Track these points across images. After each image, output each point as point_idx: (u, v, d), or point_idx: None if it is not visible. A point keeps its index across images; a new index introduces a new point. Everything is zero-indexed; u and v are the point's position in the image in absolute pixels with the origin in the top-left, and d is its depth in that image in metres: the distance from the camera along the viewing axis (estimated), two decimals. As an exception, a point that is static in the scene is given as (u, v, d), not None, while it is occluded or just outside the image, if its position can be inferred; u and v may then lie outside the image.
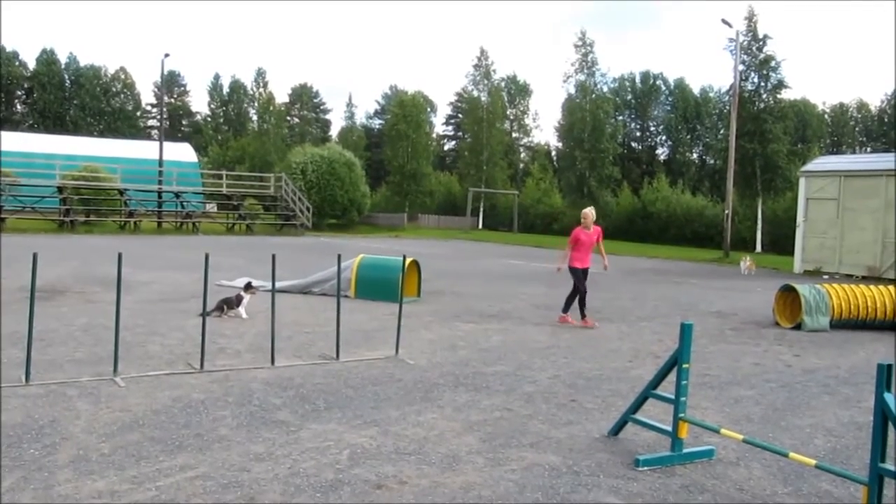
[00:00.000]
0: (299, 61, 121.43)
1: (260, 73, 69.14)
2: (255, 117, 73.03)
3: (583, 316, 11.11)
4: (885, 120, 72.47)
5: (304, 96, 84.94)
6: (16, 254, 16.77)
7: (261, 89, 68.89)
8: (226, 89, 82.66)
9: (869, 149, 71.07)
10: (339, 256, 8.71)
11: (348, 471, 4.63)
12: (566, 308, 11.32)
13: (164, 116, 56.09)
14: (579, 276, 11.23)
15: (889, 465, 3.89)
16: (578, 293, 11.13)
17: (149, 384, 6.57)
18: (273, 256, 7.63)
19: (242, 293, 10.38)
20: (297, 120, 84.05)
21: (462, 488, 4.43)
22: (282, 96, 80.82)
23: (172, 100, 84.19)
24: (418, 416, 5.88)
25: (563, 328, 10.87)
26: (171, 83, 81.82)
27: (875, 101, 77.72)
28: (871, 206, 23.13)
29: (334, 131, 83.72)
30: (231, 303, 10.20)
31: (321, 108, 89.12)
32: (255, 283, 10.84)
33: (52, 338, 8.40)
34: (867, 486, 3.94)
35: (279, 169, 45.84)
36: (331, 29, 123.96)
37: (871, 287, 12.18)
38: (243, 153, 66.11)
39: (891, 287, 12.16)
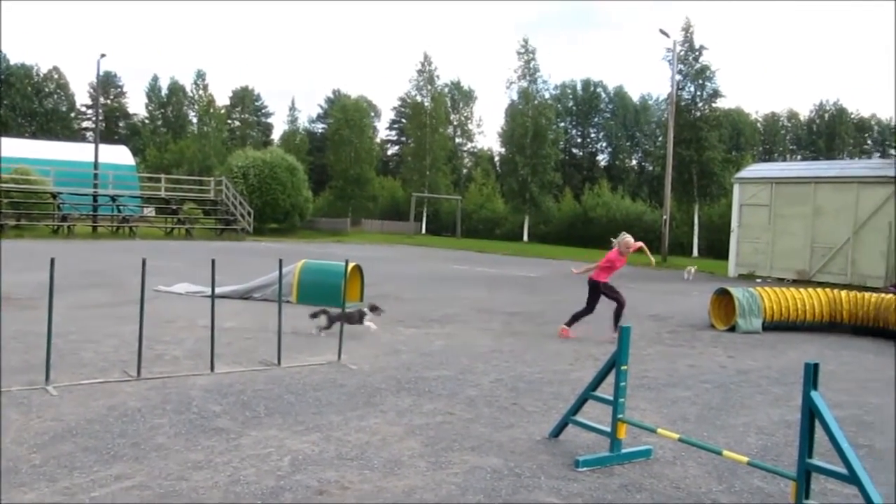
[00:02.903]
0: (240, 64, 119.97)
1: (200, 75, 67.95)
2: (194, 120, 71.68)
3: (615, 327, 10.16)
4: (814, 129, 75.14)
5: (245, 99, 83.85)
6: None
7: (200, 91, 67.70)
8: (164, 91, 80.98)
9: (799, 157, 73.55)
10: (281, 261, 8.63)
11: (290, 477, 4.59)
12: (571, 322, 10.79)
13: (100, 118, 54.69)
14: (603, 290, 10.75)
15: (816, 461, 4.04)
16: (618, 305, 10.73)
17: (83, 392, 6.40)
18: (213, 262, 7.52)
19: (367, 311, 10.03)
20: (238, 123, 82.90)
21: (404, 492, 4.43)
22: (222, 99, 79.74)
23: (108, 101, 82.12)
24: (361, 422, 5.86)
25: (505, 332, 10.94)
26: (107, 84, 79.77)
27: (804, 111, 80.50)
28: (800, 212, 23.93)
29: (276, 135, 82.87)
30: (353, 318, 9.68)
31: (263, 111, 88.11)
32: (323, 316, 9.78)
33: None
34: (795, 481, 4.08)
35: (219, 172, 45.12)
36: (273, 31, 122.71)
37: (801, 290, 12.61)
38: (182, 156, 64.85)
39: (819, 290, 12.61)
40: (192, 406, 6.12)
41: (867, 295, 12.24)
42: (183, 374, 7.21)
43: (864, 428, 6.43)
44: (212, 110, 66.16)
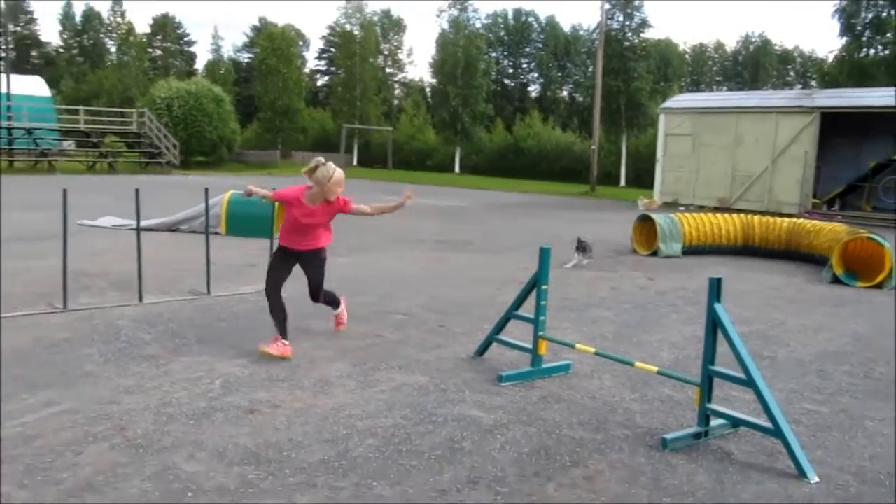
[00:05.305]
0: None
1: (117, 2, 64.76)
2: (113, 49, 68.51)
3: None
4: (740, 60, 76.49)
5: (166, 27, 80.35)
6: None
7: (118, 19, 64.61)
8: (78, 18, 76.88)
9: (725, 87, 74.96)
10: (207, 190, 8.55)
11: (221, 398, 4.71)
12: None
13: (10, 46, 51.83)
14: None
15: (718, 368, 4.35)
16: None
17: (8, 325, 6.33)
18: (137, 191, 7.40)
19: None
20: (159, 52, 79.59)
21: (333, 409, 4.61)
22: (142, 27, 76.20)
23: (18, 28, 77.63)
24: (291, 346, 5.98)
25: (432, 259, 11.13)
26: (15, 10, 75.26)
27: (731, 43, 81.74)
28: (722, 141, 24.63)
29: (200, 65, 79.94)
30: (587, 248, 10.60)
31: (185, 39, 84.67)
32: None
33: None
34: (700, 387, 4.39)
35: (142, 104, 43.50)
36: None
37: (719, 216, 13.13)
38: (101, 87, 62.15)
39: (735, 216, 13.14)
40: (120, 335, 6.13)
41: (778, 220, 12.83)
42: (110, 306, 7.18)
43: (768, 342, 6.87)
44: (131, 38, 63.32)
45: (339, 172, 5.78)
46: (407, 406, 4.72)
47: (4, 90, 36.52)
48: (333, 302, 6.42)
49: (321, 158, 5.77)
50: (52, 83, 55.78)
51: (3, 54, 47.33)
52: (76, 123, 39.44)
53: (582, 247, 10.77)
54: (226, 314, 7.03)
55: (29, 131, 36.28)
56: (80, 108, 40.94)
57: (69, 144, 40.83)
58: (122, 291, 7.79)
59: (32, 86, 45.74)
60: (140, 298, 7.31)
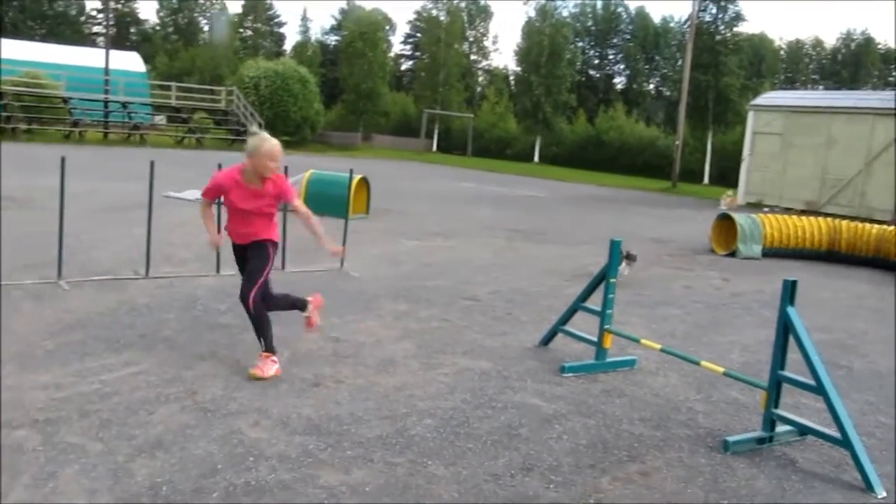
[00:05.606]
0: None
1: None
2: (206, 28, 70.50)
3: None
4: (839, 58, 73.39)
5: (258, 8, 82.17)
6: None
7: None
8: (175, -2, 79.32)
9: (822, 86, 72.09)
10: (286, 168, 8.74)
11: (288, 370, 4.84)
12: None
13: (111, 23, 53.97)
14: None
15: (787, 373, 4.24)
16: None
17: (93, 288, 6.65)
18: (219, 166, 7.62)
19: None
20: (249, 32, 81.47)
21: (395, 388, 4.69)
22: (235, 7, 78.08)
23: (119, 6, 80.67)
24: (358, 324, 6.11)
25: (506, 248, 11.13)
26: (118, -12, 78.20)
27: (831, 40, 78.52)
28: (813, 142, 23.72)
29: (288, 46, 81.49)
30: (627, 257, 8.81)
31: (276, 20, 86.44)
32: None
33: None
34: (767, 391, 4.29)
35: (231, 82, 44.70)
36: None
37: (803, 218, 12.69)
38: (193, 65, 64.08)
39: (821, 219, 12.68)
40: (197, 304, 6.37)
41: (867, 226, 12.31)
42: (189, 275, 7.45)
43: (846, 351, 6.63)
44: (224, 18, 65.02)
45: (271, 143, 4.84)
46: (468, 390, 4.76)
47: (104, 65, 38.08)
48: (285, 307, 5.27)
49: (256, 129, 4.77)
50: (147, 59, 57.82)
51: (105, 31, 49.24)
52: (168, 99, 40.83)
53: (629, 256, 9.20)
54: (298, 290, 7.16)
55: (124, 105, 37.76)
56: (173, 84, 42.33)
57: (160, 119, 42.35)
58: (201, 262, 8.07)
59: (129, 61, 47.57)
60: (217, 270, 7.56)
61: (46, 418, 3.83)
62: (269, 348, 4.80)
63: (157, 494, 3.15)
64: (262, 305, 4.86)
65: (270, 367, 4.71)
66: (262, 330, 4.82)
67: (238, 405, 4.19)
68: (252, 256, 4.94)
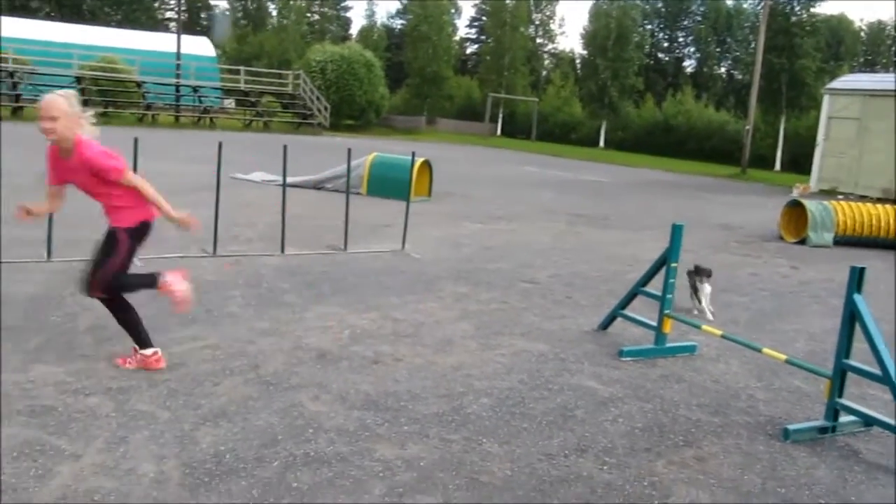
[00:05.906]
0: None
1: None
2: (274, 13, 71.57)
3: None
4: (923, 39, 70.13)
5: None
6: (34, 142, 16.97)
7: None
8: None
9: (903, 69, 69.08)
10: (350, 150, 8.89)
11: (348, 347, 4.95)
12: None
13: (183, 9, 55.23)
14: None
15: (852, 362, 4.14)
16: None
17: (163, 265, 6.86)
18: (285, 147, 7.81)
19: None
20: (316, 17, 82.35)
21: (453, 367, 4.74)
22: (300, -8, 78.84)
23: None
24: (418, 305, 6.18)
25: (568, 232, 11.06)
26: (190, -25, 79.90)
27: (914, 20, 74.95)
28: (892, 127, 22.80)
29: (354, 30, 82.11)
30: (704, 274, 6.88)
31: (342, 4, 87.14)
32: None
33: (73, 221, 8.68)
34: (830, 379, 4.20)
35: (297, 67, 45.32)
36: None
37: (878, 206, 12.25)
38: (261, 49, 65.19)
39: (898, 206, 12.22)
40: (262, 282, 6.54)
41: (948, 214, 11.81)
42: (255, 254, 7.65)
43: (918, 341, 6.40)
44: (291, 3, 65.87)
45: (47, 98, 3.97)
46: (525, 371, 4.78)
47: (175, 50, 39.06)
48: (131, 287, 4.58)
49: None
50: (216, 44, 58.98)
51: (177, 16, 50.40)
52: (237, 83, 41.65)
53: (700, 271, 6.91)
54: (359, 269, 7.32)
55: (194, 89, 38.67)
56: (241, 68, 43.14)
57: (229, 103, 43.22)
58: (266, 242, 8.26)
59: (200, 46, 48.63)
60: (282, 250, 7.74)
61: (119, 387, 4.01)
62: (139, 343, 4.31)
63: (221, 462, 3.28)
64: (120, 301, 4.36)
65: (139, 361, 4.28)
66: (126, 325, 4.33)
67: (299, 379, 4.31)
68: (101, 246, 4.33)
